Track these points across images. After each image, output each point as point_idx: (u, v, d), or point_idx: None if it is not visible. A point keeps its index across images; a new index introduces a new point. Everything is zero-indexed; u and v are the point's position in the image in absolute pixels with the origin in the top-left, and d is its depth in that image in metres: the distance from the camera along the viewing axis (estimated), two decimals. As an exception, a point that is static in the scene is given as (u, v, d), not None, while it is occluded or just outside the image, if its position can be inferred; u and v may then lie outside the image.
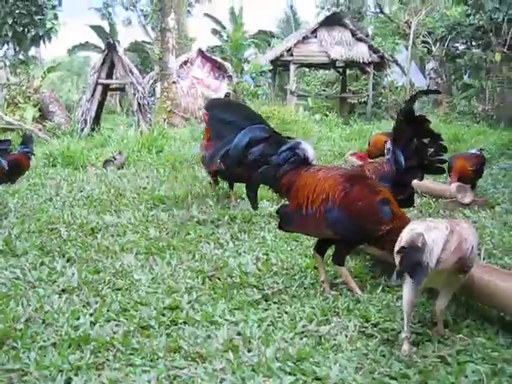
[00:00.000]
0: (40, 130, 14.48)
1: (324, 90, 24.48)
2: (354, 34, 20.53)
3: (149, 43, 30.56)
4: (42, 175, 8.31)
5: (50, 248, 4.59)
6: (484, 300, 3.15)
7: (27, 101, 16.52)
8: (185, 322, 3.15)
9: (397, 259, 2.74)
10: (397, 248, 2.77)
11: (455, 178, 6.08)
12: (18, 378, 2.60)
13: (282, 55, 20.10)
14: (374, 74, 20.91)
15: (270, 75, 22.89)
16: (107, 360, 2.77)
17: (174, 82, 17.96)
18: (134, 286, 3.73)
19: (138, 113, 14.07)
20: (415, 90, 21.48)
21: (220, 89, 22.19)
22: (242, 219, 5.33)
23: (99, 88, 14.45)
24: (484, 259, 3.99)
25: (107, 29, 33.08)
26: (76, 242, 4.77)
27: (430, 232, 2.70)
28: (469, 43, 22.28)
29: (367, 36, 22.29)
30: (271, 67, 20.34)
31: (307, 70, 25.14)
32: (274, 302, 3.43)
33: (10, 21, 20.85)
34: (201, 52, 23.46)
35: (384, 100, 21.64)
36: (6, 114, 15.31)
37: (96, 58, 30.32)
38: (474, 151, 6.82)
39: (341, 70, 22.57)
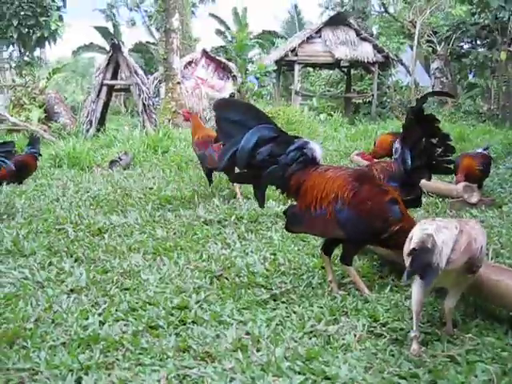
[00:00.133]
0: (45, 130, 14.51)
1: (328, 90, 24.48)
2: (358, 34, 20.52)
3: (153, 44, 30.59)
4: (49, 176, 8.34)
5: (57, 248, 4.60)
6: (493, 300, 3.14)
7: (33, 102, 16.56)
8: (193, 322, 3.16)
9: (407, 260, 2.74)
10: (407, 249, 2.77)
11: (462, 177, 6.08)
12: (28, 378, 2.61)
13: (286, 55, 20.11)
14: (378, 74, 20.89)
15: (274, 75, 22.90)
16: (117, 359, 2.78)
17: (178, 83, 17.95)
18: (142, 285, 3.74)
19: (143, 113, 14.08)
20: (420, 90, 21.51)
21: (224, 89, 22.19)
22: (248, 219, 5.33)
23: (104, 89, 14.47)
24: (492, 259, 3.98)
25: (111, 30, 33.15)
26: (83, 242, 4.78)
27: (440, 232, 2.70)
28: (474, 42, 22.27)
29: (372, 36, 22.24)
30: (276, 67, 20.33)
31: (311, 69, 25.14)
32: (283, 302, 3.43)
33: (15, 22, 20.95)
34: (205, 52, 23.45)
35: (389, 100, 21.61)
36: (11, 115, 15.36)
37: (100, 58, 30.42)
38: (480, 150, 6.82)
39: (345, 69, 22.56)
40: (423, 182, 4.04)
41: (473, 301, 3.32)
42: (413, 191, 3.87)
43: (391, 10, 25.67)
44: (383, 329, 3.05)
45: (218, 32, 33.31)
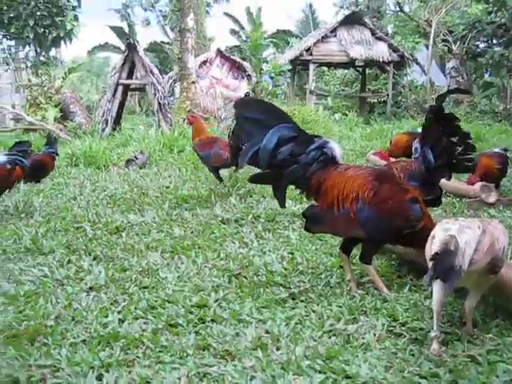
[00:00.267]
0: (61, 130, 14.58)
1: (343, 90, 24.41)
2: (373, 33, 20.45)
3: (167, 43, 30.67)
4: (65, 175, 8.39)
5: (76, 246, 4.63)
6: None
7: (49, 101, 16.67)
8: (213, 320, 3.17)
9: (429, 261, 2.73)
10: (430, 249, 2.75)
11: (479, 177, 6.05)
12: (50, 374, 2.63)
13: (301, 54, 20.07)
14: (393, 73, 20.81)
15: (288, 75, 22.86)
16: (137, 357, 2.79)
17: (193, 82, 17.98)
18: (161, 284, 3.75)
19: (158, 113, 14.10)
20: (435, 89, 21.40)
21: (239, 89, 22.20)
22: (265, 218, 5.34)
23: (120, 88, 14.51)
24: (511, 259, 3.96)
25: (126, 29, 33.28)
26: (101, 240, 4.81)
27: (463, 233, 2.69)
28: (490, 41, 22.10)
29: (387, 35, 22.16)
30: (290, 67, 20.30)
31: (326, 69, 25.09)
32: (301, 301, 3.43)
33: (31, 23, 21.08)
34: (220, 52, 23.48)
35: (403, 99, 21.52)
36: (28, 115, 15.46)
37: (115, 58, 30.56)
38: (497, 150, 6.77)
39: (360, 69, 22.48)
40: (442, 181, 4.03)
41: (493, 301, 3.30)
42: (433, 191, 3.86)
43: (406, 9, 25.57)
44: (403, 328, 3.04)
45: (233, 31, 33.36)
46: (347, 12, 23.26)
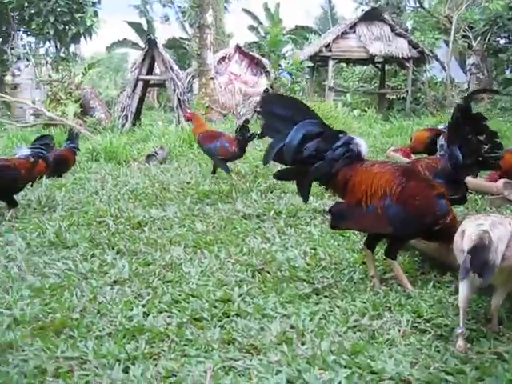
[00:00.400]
0: (81, 125, 14.65)
1: (362, 86, 24.30)
2: (393, 29, 20.29)
3: (186, 39, 30.72)
4: (86, 170, 8.44)
5: (99, 240, 4.67)
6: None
7: (69, 97, 16.74)
8: (237, 315, 3.18)
9: (459, 256, 2.71)
10: (461, 245, 2.73)
11: (496, 175, 6.00)
12: (78, 366, 2.66)
13: (320, 51, 19.97)
14: (413, 70, 20.66)
15: (306, 71, 22.79)
16: (162, 350, 2.82)
17: (211, 78, 18.03)
18: (184, 278, 3.77)
19: (178, 109, 14.13)
20: (455, 86, 21.22)
21: (258, 85, 22.20)
22: (287, 214, 5.33)
23: (140, 84, 14.55)
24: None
25: (145, 26, 33.37)
26: (124, 234, 4.84)
27: (496, 229, 2.67)
28: (511, 37, 21.87)
29: (406, 31, 21.99)
30: (311, 63, 20.23)
31: (345, 65, 24.98)
32: (325, 296, 3.43)
33: (51, 19, 21.26)
34: (238, 48, 23.50)
35: (423, 96, 21.35)
36: (48, 110, 15.55)
37: (134, 54, 30.68)
38: (519, 147, 6.71)
39: (379, 65, 22.35)
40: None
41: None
42: (459, 189, 3.84)
43: (426, 4, 25.35)
44: (427, 324, 3.04)
45: (251, 27, 33.32)
46: (366, 8, 23.09)
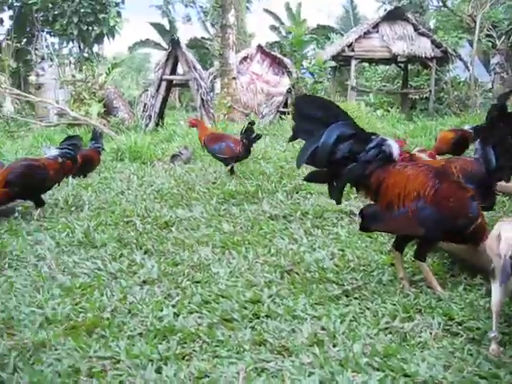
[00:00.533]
0: (104, 125, 14.75)
1: (384, 86, 24.17)
2: (416, 29, 20.14)
3: (208, 39, 30.80)
4: (111, 169, 8.48)
5: (127, 240, 4.70)
6: None
7: (92, 97, 16.87)
8: (267, 316, 3.18)
9: (497, 260, 2.68)
10: (498, 250, 2.69)
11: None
12: (110, 366, 2.68)
13: (343, 50, 19.88)
14: (436, 69, 20.50)
15: (328, 70, 22.72)
16: (193, 351, 2.83)
17: (234, 78, 18.07)
18: (213, 278, 3.78)
19: (201, 108, 14.15)
20: (479, 86, 21.02)
21: (279, 84, 22.20)
22: (313, 214, 5.31)
23: (163, 84, 14.60)
24: None
25: (167, 26, 33.54)
26: (152, 234, 4.86)
27: None
28: (536, 36, 21.62)
29: (429, 30, 21.81)
30: (334, 63, 20.16)
31: (367, 65, 24.87)
32: (355, 298, 3.42)
33: (75, 19, 21.46)
34: (260, 48, 23.53)
35: (446, 96, 21.18)
36: (72, 110, 15.68)
37: (156, 54, 30.85)
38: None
39: (402, 65, 22.21)
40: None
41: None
42: (488, 196, 3.78)
43: (449, 3, 25.14)
44: (459, 327, 3.02)
45: (272, 27, 33.34)
46: (389, 7, 22.96)
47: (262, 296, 3.41)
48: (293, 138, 3.62)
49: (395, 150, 3.47)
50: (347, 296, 3.45)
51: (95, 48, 25.31)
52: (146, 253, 4.42)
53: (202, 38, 32.16)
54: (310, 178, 3.75)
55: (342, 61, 21.12)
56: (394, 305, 3.28)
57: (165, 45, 30.95)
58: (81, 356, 2.77)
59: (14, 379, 2.58)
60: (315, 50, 27.08)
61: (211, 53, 27.31)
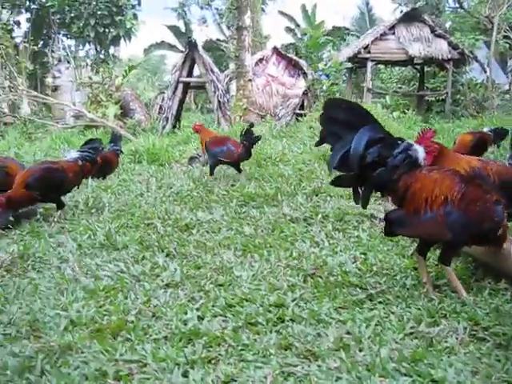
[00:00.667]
0: (121, 127, 14.84)
1: (400, 88, 24.08)
2: (433, 30, 20.06)
3: (223, 41, 30.86)
4: (129, 171, 8.52)
5: (148, 243, 4.70)
6: None
7: (109, 99, 16.97)
8: (292, 320, 3.17)
9: None
10: None
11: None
12: (137, 369, 2.68)
13: (359, 52, 19.85)
14: (452, 71, 20.39)
15: (343, 72, 22.66)
16: (219, 355, 2.82)
17: (249, 80, 18.08)
18: (236, 282, 3.77)
19: (218, 110, 14.19)
20: (496, 88, 20.89)
21: (295, 86, 22.18)
22: (334, 217, 5.29)
23: (180, 86, 14.66)
24: None
25: (182, 28, 33.62)
26: (173, 237, 4.86)
27: None
28: (554, 38, 21.46)
29: (446, 32, 21.70)
30: (350, 65, 20.10)
31: (382, 67, 24.79)
32: (379, 302, 3.40)
33: (92, 22, 21.58)
34: (276, 50, 23.50)
35: (462, 98, 21.07)
36: (89, 111, 15.78)
37: (171, 56, 30.93)
38: None
39: (418, 66, 22.12)
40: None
41: None
42: None
43: (465, 5, 25.00)
44: (485, 333, 3.00)
45: (288, 29, 33.31)
46: (405, 9, 22.87)
47: (286, 300, 3.40)
48: (320, 142, 3.61)
49: (420, 154, 3.46)
50: (371, 300, 3.44)
51: (111, 50, 25.45)
52: (167, 255, 4.42)
53: (218, 39, 32.23)
54: (335, 183, 3.73)
55: (357, 63, 21.07)
56: (419, 309, 3.26)
57: (180, 47, 31.08)
58: (107, 359, 2.77)
59: (42, 382, 2.60)
60: (330, 52, 27.06)
61: (226, 55, 27.38)
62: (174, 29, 33.54)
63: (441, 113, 20.47)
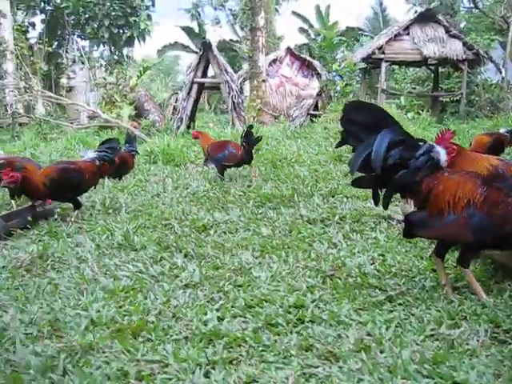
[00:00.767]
0: (135, 127, 14.88)
1: (414, 88, 23.99)
2: (447, 31, 19.96)
3: (236, 42, 30.91)
4: (145, 172, 8.54)
5: (166, 243, 4.72)
6: None
7: (123, 99, 17.03)
8: (311, 321, 3.17)
9: None
10: None
11: None
12: (159, 369, 2.69)
13: (373, 53, 19.77)
14: (467, 72, 20.28)
15: (357, 73, 22.61)
16: (240, 355, 2.82)
17: (263, 81, 18.09)
18: (255, 283, 3.77)
19: (232, 111, 14.22)
20: (511, 88, 20.74)
21: (309, 87, 22.18)
22: (351, 219, 5.29)
23: (195, 87, 14.69)
24: None
25: (196, 29, 33.71)
26: (190, 237, 4.88)
27: None
28: None
29: (460, 32, 21.59)
30: (365, 65, 20.06)
31: (397, 67, 24.71)
32: (399, 304, 3.39)
33: (106, 23, 21.70)
34: (290, 50, 23.52)
35: (477, 98, 20.95)
36: (103, 112, 15.85)
37: (185, 57, 30.99)
38: None
39: (433, 67, 22.02)
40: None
41: None
42: None
43: (480, 5, 24.88)
44: (506, 335, 2.98)
45: (301, 30, 33.31)
46: (419, 9, 22.80)
47: (306, 301, 3.40)
48: (341, 144, 3.61)
49: (442, 156, 3.45)
50: (391, 302, 3.43)
51: (125, 51, 25.58)
52: (186, 256, 4.43)
53: (231, 40, 32.29)
54: (356, 184, 3.72)
55: (371, 63, 21.00)
56: (439, 311, 3.25)
57: (194, 47, 31.16)
58: (129, 359, 2.79)
59: (65, 381, 2.61)
60: (344, 53, 27.02)
61: (240, 55, 27.42)
62: (187, 30, 33.65)
63: (455, 114, 20.38)
